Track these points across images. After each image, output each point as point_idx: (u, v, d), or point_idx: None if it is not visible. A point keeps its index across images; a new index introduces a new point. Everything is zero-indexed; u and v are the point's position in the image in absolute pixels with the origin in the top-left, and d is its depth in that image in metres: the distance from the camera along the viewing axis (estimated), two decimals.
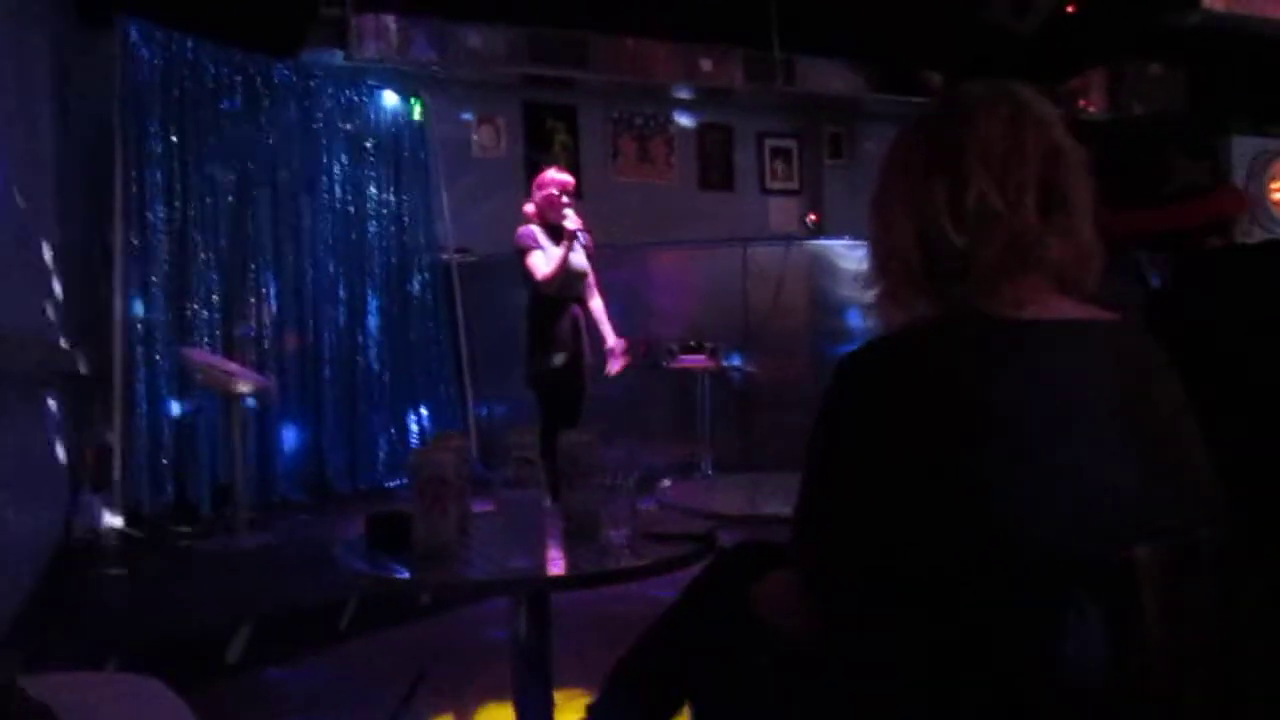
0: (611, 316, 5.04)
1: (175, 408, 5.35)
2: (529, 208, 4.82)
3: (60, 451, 4.80)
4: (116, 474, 5.04)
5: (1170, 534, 1.08)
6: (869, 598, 1.18)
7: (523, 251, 4.69)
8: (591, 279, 4.91)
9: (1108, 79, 8.32)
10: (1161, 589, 1.04)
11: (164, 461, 5.27)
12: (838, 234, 6.97)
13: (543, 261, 4.65)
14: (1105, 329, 1.22)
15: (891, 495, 1.12)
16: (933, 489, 1.10)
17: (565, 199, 4.75)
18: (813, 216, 8.24)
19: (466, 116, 7.42)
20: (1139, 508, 1.12)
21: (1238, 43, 7.21)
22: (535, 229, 4.72)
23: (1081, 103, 8.33)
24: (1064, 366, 1.16)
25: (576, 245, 4.71)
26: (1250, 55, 7.22)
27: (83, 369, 4.78)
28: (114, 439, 5.08)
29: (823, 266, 6.59)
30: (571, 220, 4.68)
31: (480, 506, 2.28)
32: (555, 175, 4.85)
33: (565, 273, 4.68)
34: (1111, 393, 1.16)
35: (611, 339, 4.95)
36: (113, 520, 4.93)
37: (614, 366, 4.95)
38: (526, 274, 4.70)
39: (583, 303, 4.86)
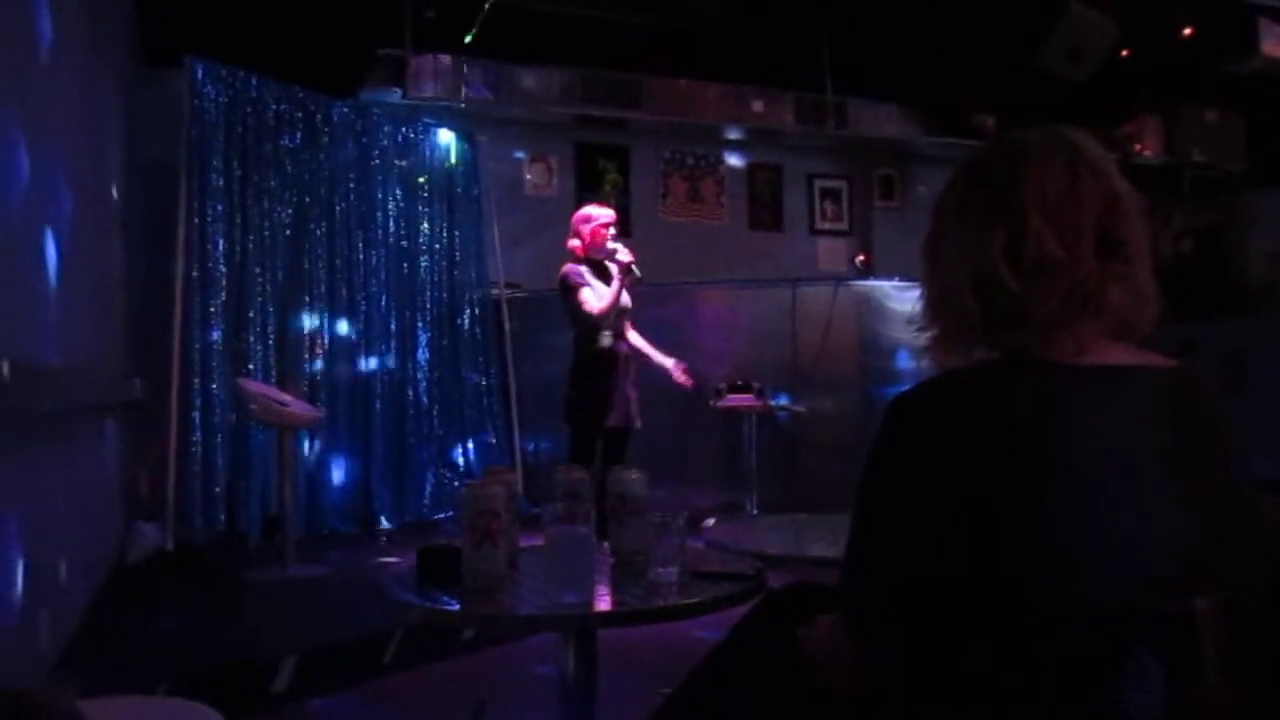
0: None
1: (229, 437, 5.44)
2: (574, 243, 4.79)
3: (116, 478, 4.90)
4: (170, 501, 5.13)
5: (1229, 585, 1.06)
6: (920, 643, 1.17)
7: (571, 289, 4.65)
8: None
9: (1163, 124, 8.26)
10: (1221, 641, 1.03)
11: (216, 490, 5.34)
12: (887, 275, 6.94)
13: (594, 298, 4.62)
14: (1164, 376, 1.21)
15: (943, 540, 1.11)
16: (986, 535, 1.09)
17: (611, 233, 4.75)
18: (861, 257, 8.22)
19: (519, 155, 7.53)
20: (1195, 557, 1.10)
21: None
22: (582, 267, 4.72)
23: (1137, 148, 8.27)
24: (1121, 413, 1.15)
25: (639, 278, 4.69)
26: None
27: (138, 398, 4.87)
28: (169, 466, 5.17)
29: (872, 307, 6.56)
30: (624, 253, 4.66)
31: (527, 542, 2.29)
32: (597, 211, 4.81)
33: (618, 309, 4.68)
34: (1169, 440, 1.15)
35: (667, 360, 4.93)
36: (166, 547, 5.01)
37: (686, 380, 4.96)
38: (573, 311, 4.67)
39: (626, 341, 4.83)
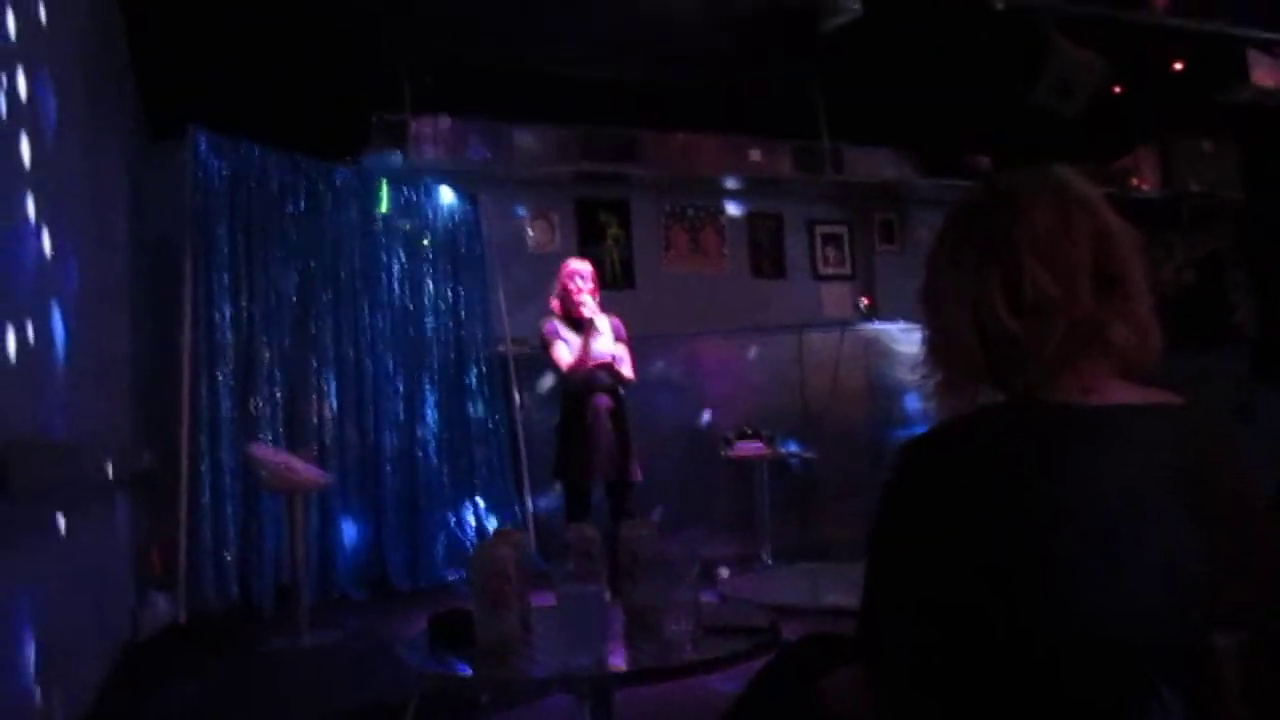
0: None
1: (239, 505, 5.43)
2: (553, 300, 4.87)
3: (128, 550, 4.88)
4: (182, 572, 5.11)
5: (1249, 621, 1.05)
6: (940, 691, 1.15)
7: (545, 345, 4.77)
8: (625, 362, 4.84)
9: (1160, 157, 8.32)
10: (1242, 675, 1.01)
11: (228, 558, 5.32)
12: (892, 318, 6.95)
13: (565, 352, 4.69)
14: (1171, 413, 1.21)
15: (958, 585, 1.10)
16: (1001, 579, 1.08)
17: (578, 286, 4.78)
18: (866, 301, 8.25)
19: (521, 212, 7.58)
20: (1214, 593, 1.09)
21: None
22: (557, 321, 4.78)
23: (1134, 181, 8.32)
24: (1130, 452, 1.14)
25: (598, 334, 4.68)
26: None
27: (148, 468, 4.88)
28: (180, 537, 5.15)
29: (878, 351, 6.57)
30: (589, 308, 4.70)
31: (539, 600, 2.27)
32: (571, 265, 4.91)
33: (590, 362, 4.68)
34: (1179, 477, 1.14)
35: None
36: (179, 619, 4.98)
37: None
38: (553, 366, 4.74)
39: (614, 392, 4.80)
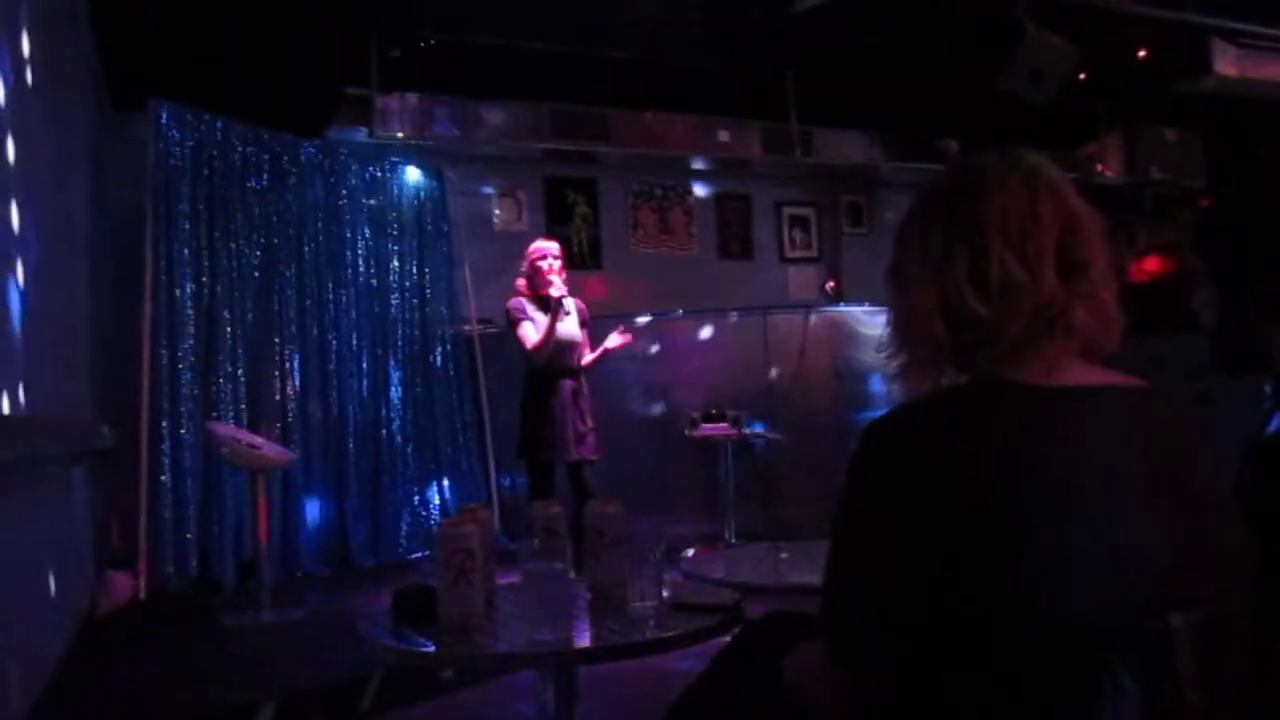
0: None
1: (200, 482, 5.38)
2: (520, 280, 4.87)
3: (87, 526, 4.83)
4: (142, 549, 5.06)
5: (1204, 602, 1.07)
6: (901, 668, 1.17)
7: (512, 324, 4.76)
8: (586, 347, 4.90)
9: (1124, 144, 8.42)
10: (1197, 657, 1.03)
11: (189, 535, 5.28)
12: (858, 301, 6.99)
13: (532, 331, 4.70)
14: (1133, 395, 1.22)
15: (920, 564, 1.11)
16: (962, 557, 1.09)
17: (549, 265, 4.78)
18: (832, 284, 8.28)
19: (488, 190, 7.53)
20: (1170, 575, 1.10)
21: (1253, 107, 7.27)
22: (524, 300, 4.77)
23: (1099, 167, 8.41)
24: (1092, 433, 1.15)
25: (566, 314, 4.71)
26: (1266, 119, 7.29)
27: (107, 445, 4.82)
28: (140, 513, 5.10)
29: (844, 333, 6.60)
30: (558, 288, 4.71)
31: (504, 579, 2.27)
32: (540, 244, 4.91)
33: (556, 343, 4.69)
34: (1140, 459, 1.16)
35: (611, 340, 4.88)
36: (139, 595, 4.94)
37: (624, 337, 4.89)
38: (519, 345, 4.74)
39: (577, 374, 4.84)
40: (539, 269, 4.79)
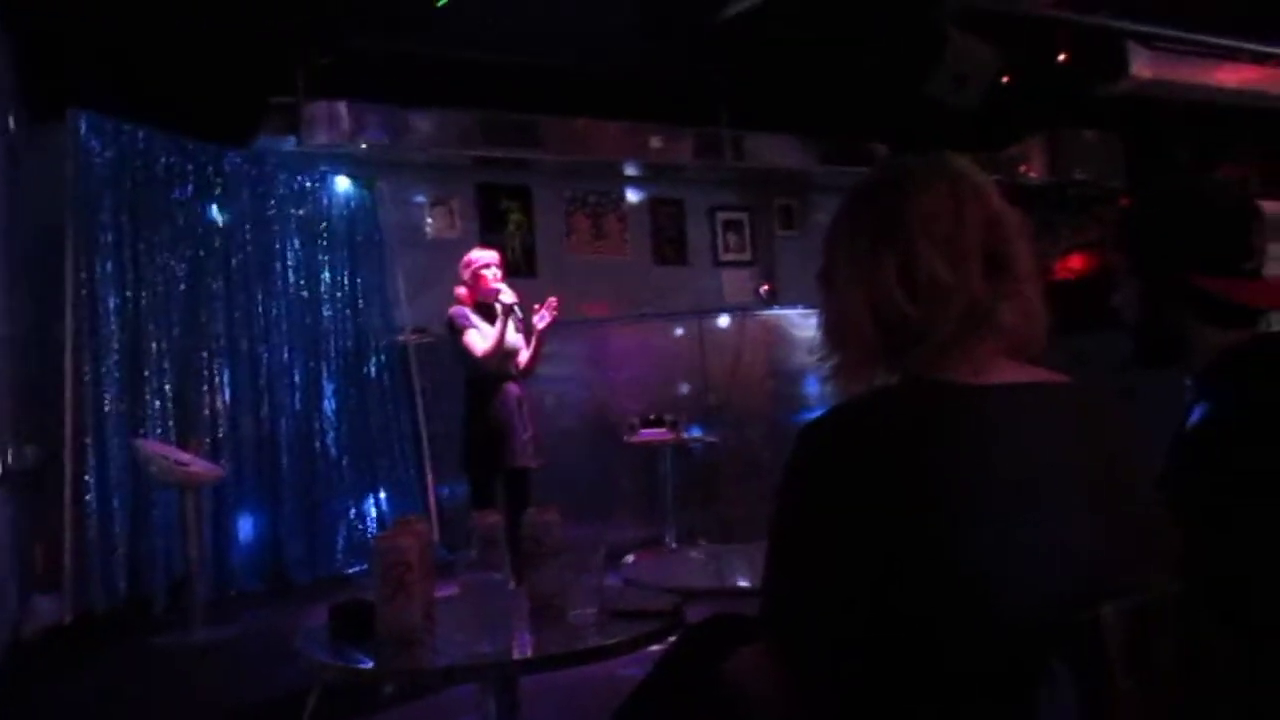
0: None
1: (128, 501, 5.25)
2: (460, 289, 4.86)
3: (9, 551, 4.68)
4: (68, 571, 4.92)
5: (1133, 592, 1.09)
6: (841, 669, 1.17)
7: (457, 331, 4.72)
8: (524, 351, 4.87)
9: (1046, 146, 8.61)
10: (1128, 648, 1.05)
11: (116, 555, 5.13)
12: (792, 303, 7.05)
13: (479, 339, 4.69)
14: (1060, 391, 1.25)
15: (858, 563, 1.12)
16: (899, 556, 1.10)
17: (494, 274, 4.79)
18: (766, 287, 8.35)
19: (420, 199, 7.47)
20: (1103, 569, 1.13)
21: (1168, 108, 7.49)
22: (465, 309, 4.76)
23: (1023, 168, 8.60)
24: (1024, 430, 1.18)
25: (519, 320, 4.72)
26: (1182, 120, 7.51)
27: (30, 465, 4.68)
28: (65, 535, 4.96)
29: (779, 336, 6.66)
30: (508, 294, 4.71)
31: (444, 590, 2.25)
32: (479, 254, 4.92)
33: (501, 349, 4.68)
34: (1072, 454, 1.18)
35: (539, 320, 4.80)
36: (64, 620, 4.80)
37: (550, 312, 4.81)
38: (461, 354, 4.72)
39: (519, 380, 4.84)
40: (482, 277, 4.77)
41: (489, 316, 4.72)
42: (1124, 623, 1.06)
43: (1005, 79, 6.84)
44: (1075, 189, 8.72)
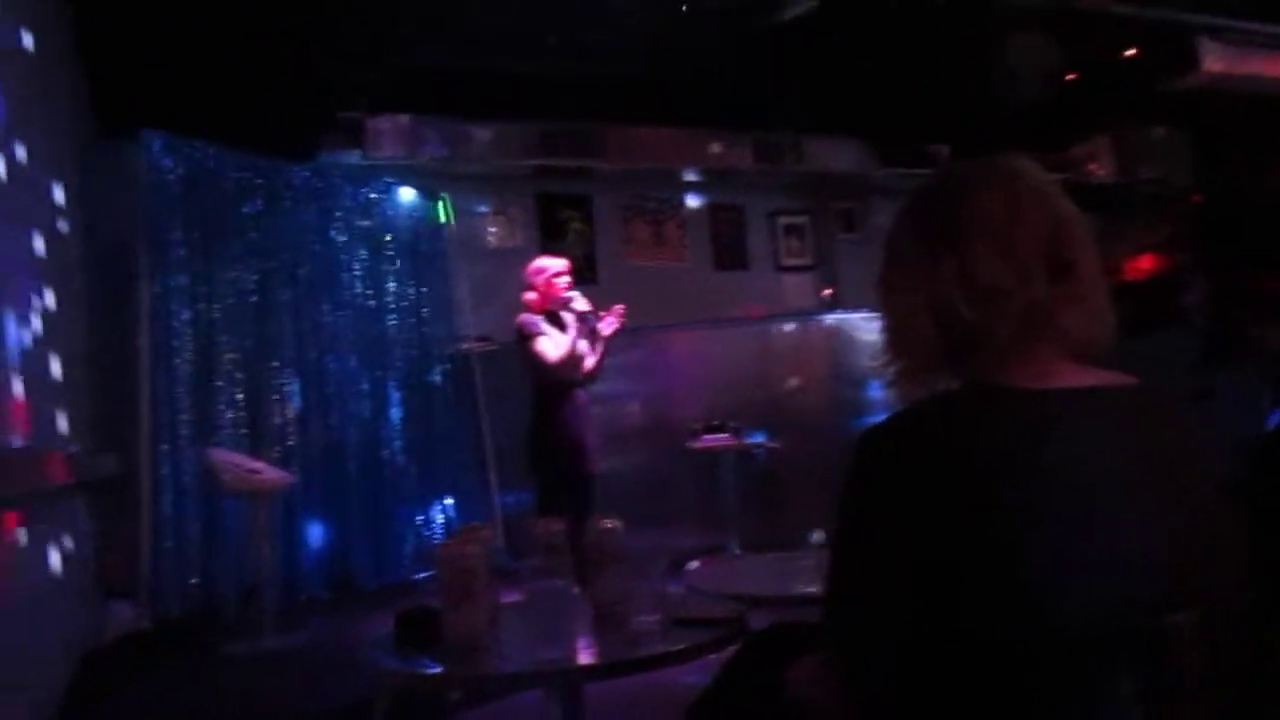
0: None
1: (200, 509, 5.36)
2: (530, 296, 4.86)
3: (89, 557, 4.81)
4: (144, 578, 5.04)
5: (1203, 600, 1.07)
6: (904, 677, 1.16)
7: (528, 338, 4.70)
8: (590, 357, 4.89)
9: (1113, 144, 8.43)
10: (1197, 656, 1.03)
11: (190, 563, 5.26)
12: (854, 307, 6.99)
13: (551, 347, 4.67)
14: (1124, 394, 1.22)
15: (917, 571, 1.11)
16: (961, 564, 1.09)
17: (565, 282, 4.81)
18: (828, 291, 8.29)
19: (482, 209, 7.54)
20: (1170, 574, 1.10)
21: (1240, 103, 7.29)
22: (536, 316, 4.76)
23: (1090, 167, 8.43)
24: (1086, 434, 1.16)
25: (592, 328, 4.74)
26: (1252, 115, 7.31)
27: (109, 473, 4.81)
28: (142, 543, 5.09)
29: (841, 340, 6.61)
30: (581, 302, 4.72)
31: (508, 597, 2.27)
32: (550, 261, 4.91)
33: (572, 357, 4.70)
34: (1136, 458, 1.16)
35: (604, 327, 4.83)
36: (141, 625, 4.92)
37: (608, 328, 4.84)
38: (530, 361, 4.71)
39: (585, 386, 4.85)
40: (554, 285, 4.79)
41: (557, 324, 4.74)
42: (1194, 632, 1.04)
43: (1071, 76, 6.73)
44: (1144, 187, 8.53)
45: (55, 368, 3.91)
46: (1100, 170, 8.43)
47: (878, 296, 1.32)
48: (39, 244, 3.69)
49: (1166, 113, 8.19)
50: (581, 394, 4.79)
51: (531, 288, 4.85)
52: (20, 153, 3.36)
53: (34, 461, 2.99)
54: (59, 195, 4.38)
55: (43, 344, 3.59)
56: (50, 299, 3.87)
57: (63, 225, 4.50)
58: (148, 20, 5.08)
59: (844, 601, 1.22)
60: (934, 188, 1.31)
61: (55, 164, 4.30)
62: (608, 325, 4.81)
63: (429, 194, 6.88)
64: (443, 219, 6.85)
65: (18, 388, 3.03)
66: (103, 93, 5.49)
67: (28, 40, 3.89)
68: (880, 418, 1.21)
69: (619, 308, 4.83)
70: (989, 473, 1.10)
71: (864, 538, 1.19)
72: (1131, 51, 6.92)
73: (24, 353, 3.08)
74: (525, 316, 4.77)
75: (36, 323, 3.45)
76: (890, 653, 1.17)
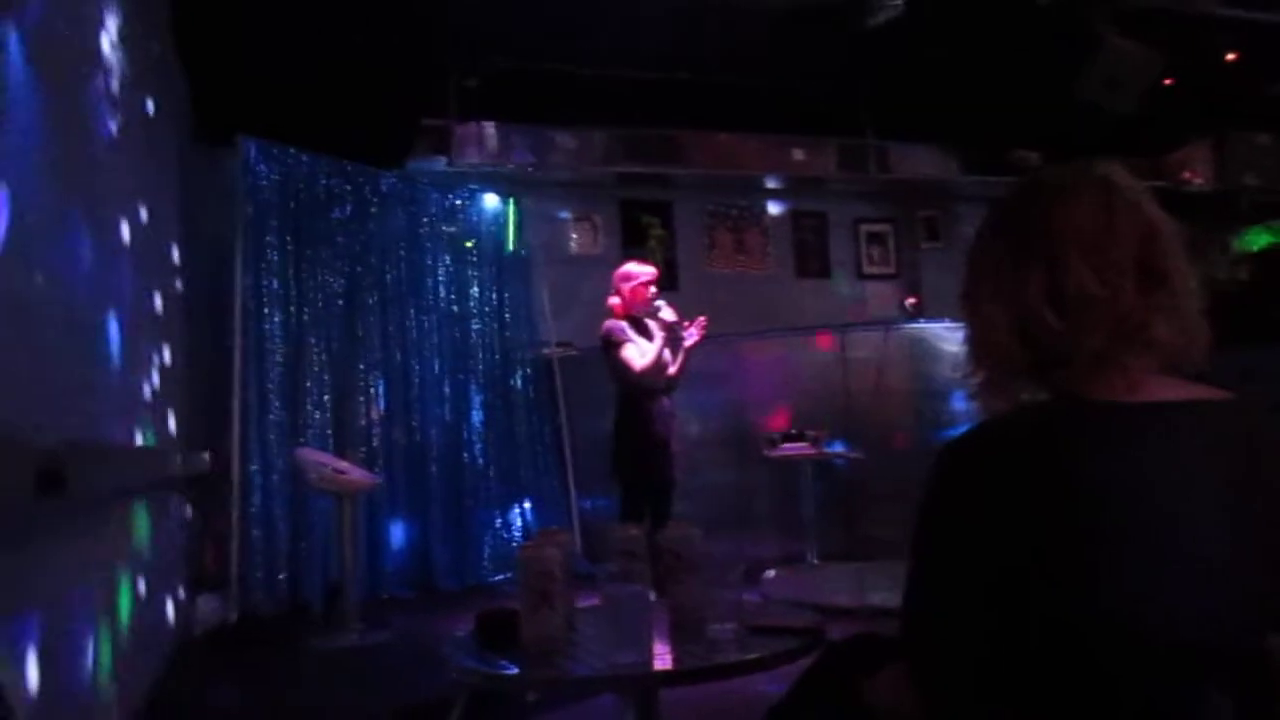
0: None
1: (288, 507, 5.50)
2: (615, 301, 4.84)
3: (181, 551, 4.96)
4: (234, 573, 5.19)
5: None
6: (984, 692, 1.15)
7: (614, 345, 4.68)
8: (672, 364, 4.87)
9: (1213, 151, 8.17)
10: None
11: (278, 559, 5.39)
12: (937, 317, 6.88)
13: (637, 354, 4.65)
14: (1216, 409, 1.18)
15: (1000, 585, 1.10)
16: (1042, 578, 1.07)
17: (654, 291, 4.80)
18: (912, 300, 8.18)
19: (564, 215, 7.62)
20: (1265, 594, 1.07)
21: None
22: (621, 323, 4.75)
23: (1186, 175, 8.18)
24: (1179, 450, 1.12)
25: (681, 337, 4.72)
26: None
27: (203, 470, 4.96)
28: (232, 538, 5.24)
29: (923, 350, 6.51)
30: (668, 311, 4.70)
31: (585, 601, 2.28)
32: (638, 268, 4.86)
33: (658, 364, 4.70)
34: (1230, 474, 1.12)
35: (687, 337, 4.79)
36: (230, 618, 5.06)
37: (690, 339, 4.79)
38: (615, 367, 4.70)
39: (669, 393, 4.84)
40: (642, 291, 4.78)
41: (643, 331, 4.73)
42: None
43: (1169, 81, 6.54)
44: (1247, 195, 8.24)
45: (155, 365, 4.05)
46: (1197, 178, 8.17)
47: (962, 307, 1.30)
48: (142, 247, 3.83)
49: (1272, 118, 7.91)
50: (666, 401, 4.77)
51: (618, 294, 4.84)
52: (125, 160, 3.49)
53: (134, 456, 3.10)
54: (161, 200, 4.53)
55: (143, 343, 3.72)
56: (151, 299, 4.01)
57: (166, 228, 4.65)
58: (244, 28, 5.24)
59: (922, 614, 1.21)
60: (1020, 195, 1.28)
61: (158, 170, 4.45)
62: (690, 336, 4.79)
63: (512, 200, 6.96)
64: (512, 225, 6.90)
65: (119, 384, 3.14)
66: (202, 100, 5.67)
67: (150, 106, 4.06)
68: (963, 429, 1.19)
69: (701, 320, 4.81)
70: (1073, 487, 1.08)
71: (944, 550, 1.17)
72: (1233, 56, 6.70)
73: (125, 351, 3.20)
74: (611, 323, 4.75)
75: (138, 323, 3.58)
76: (968, 667, 1.16)
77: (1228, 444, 1.15)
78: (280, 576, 5.39)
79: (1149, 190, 1.23)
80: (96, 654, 2.59)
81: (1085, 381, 1.17)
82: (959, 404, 6.13)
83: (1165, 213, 1.21)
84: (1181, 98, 7.12)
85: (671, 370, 4.84)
